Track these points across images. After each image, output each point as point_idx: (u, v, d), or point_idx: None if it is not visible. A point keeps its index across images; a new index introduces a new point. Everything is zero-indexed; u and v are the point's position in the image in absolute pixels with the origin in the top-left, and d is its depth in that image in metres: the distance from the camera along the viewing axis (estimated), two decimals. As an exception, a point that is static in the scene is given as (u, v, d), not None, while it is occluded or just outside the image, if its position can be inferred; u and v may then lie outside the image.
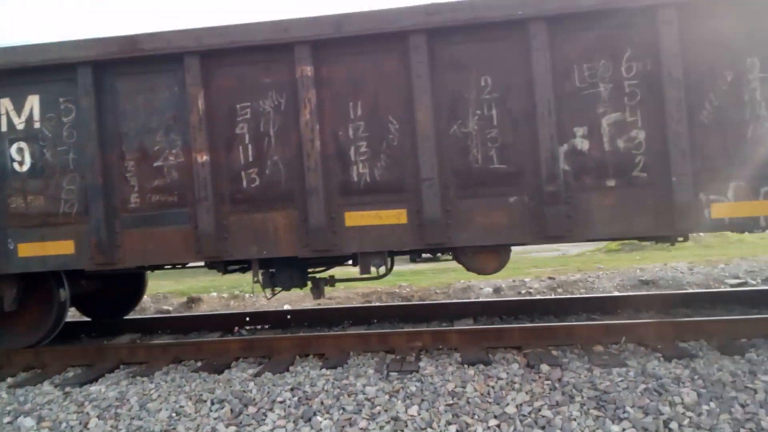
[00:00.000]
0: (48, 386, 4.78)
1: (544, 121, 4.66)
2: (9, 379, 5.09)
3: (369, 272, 5.16)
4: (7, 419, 4.14)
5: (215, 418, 3.84)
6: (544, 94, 4.66)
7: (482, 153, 4.81)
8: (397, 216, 4.88)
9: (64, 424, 3.95)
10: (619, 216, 4.68)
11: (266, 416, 3.80)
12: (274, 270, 5.48)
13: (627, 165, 4.67)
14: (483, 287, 8.73)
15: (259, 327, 6.71)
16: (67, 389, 4.62)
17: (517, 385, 3.97)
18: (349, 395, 4.00)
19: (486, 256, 5.11)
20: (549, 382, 3.99)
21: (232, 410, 3.90)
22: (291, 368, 4.76)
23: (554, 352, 4.69)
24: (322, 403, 3.91)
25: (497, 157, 4.80)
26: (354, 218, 4.93)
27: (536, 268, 11.52)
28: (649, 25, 4.59)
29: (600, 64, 4.69)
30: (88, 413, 4.09)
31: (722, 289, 7.30)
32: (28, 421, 4.02)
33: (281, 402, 3.97)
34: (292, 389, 4.16)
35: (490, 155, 4.81)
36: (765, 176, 4.55)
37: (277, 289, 5.60)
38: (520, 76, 4.75)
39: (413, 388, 4.02)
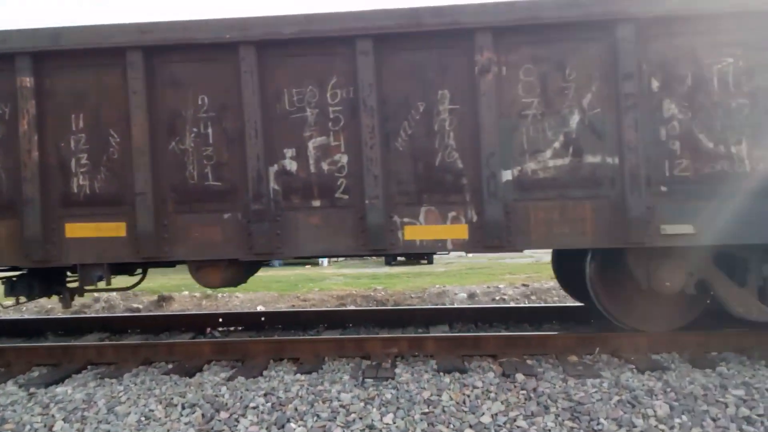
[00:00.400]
0: (12, 386, 4.64)
1: (252, 141, 4.77)
2: (-30, 378, 4.92)
3: (91, 284, 5.17)
4: (-33, 420, 4.00)
5: (186, 423, 3.76)
6: (251, 115, 4.77)
7: (198, 170, 4.90)
8: (116, 228, 4.94)
9: (28, 427, 3.83)
10: (324, 235, 4.84)
11: (239, 422, 3.74)
12: (15, 278, 5.44)
13: (331, 187, 4.84)
14: (458, 293, 8.76)
15: (232, 329, 6.61)
16: (32, 390, 4.49)
17: (492, 395, 3.98)
18: (323, 402, 3.96)
19: (210, 270, 5.18)
20: (524, 391, 4.01)
21: (203, 415, 3.83)
22: (265, 373, 4.69)
23: (529, 362, 4.71)
24: (296, 409, 3.86)
25: (212, 174, 4.90)
26: (74, 230, 4.97)
27: (510, 275, 11.61)
28: (350, 55, 4.74)
29: (308, 90, 4.83)
30: (53, 415, 3.97)
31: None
32: (-10, 423, 3.88)
33: (254, 408, 3.91)
34: (265, 394, 4.10)
35: (206, 172, 4.90)
36: (452, 202, 4.75)
37: (22, 298, 5.52)
38: (233, 97, 4.84)
39: (389, 396, 4.00)
